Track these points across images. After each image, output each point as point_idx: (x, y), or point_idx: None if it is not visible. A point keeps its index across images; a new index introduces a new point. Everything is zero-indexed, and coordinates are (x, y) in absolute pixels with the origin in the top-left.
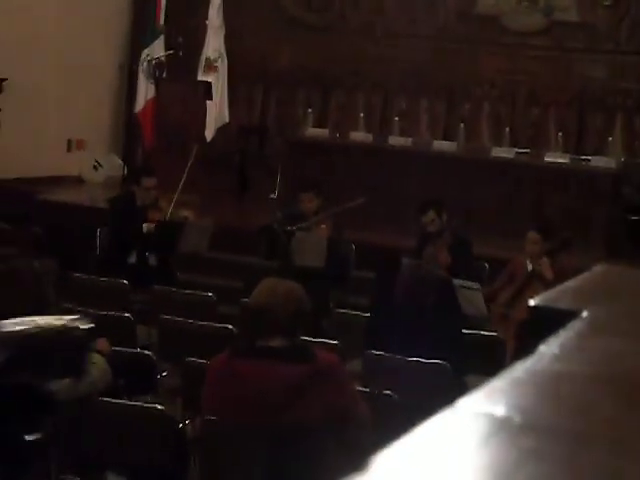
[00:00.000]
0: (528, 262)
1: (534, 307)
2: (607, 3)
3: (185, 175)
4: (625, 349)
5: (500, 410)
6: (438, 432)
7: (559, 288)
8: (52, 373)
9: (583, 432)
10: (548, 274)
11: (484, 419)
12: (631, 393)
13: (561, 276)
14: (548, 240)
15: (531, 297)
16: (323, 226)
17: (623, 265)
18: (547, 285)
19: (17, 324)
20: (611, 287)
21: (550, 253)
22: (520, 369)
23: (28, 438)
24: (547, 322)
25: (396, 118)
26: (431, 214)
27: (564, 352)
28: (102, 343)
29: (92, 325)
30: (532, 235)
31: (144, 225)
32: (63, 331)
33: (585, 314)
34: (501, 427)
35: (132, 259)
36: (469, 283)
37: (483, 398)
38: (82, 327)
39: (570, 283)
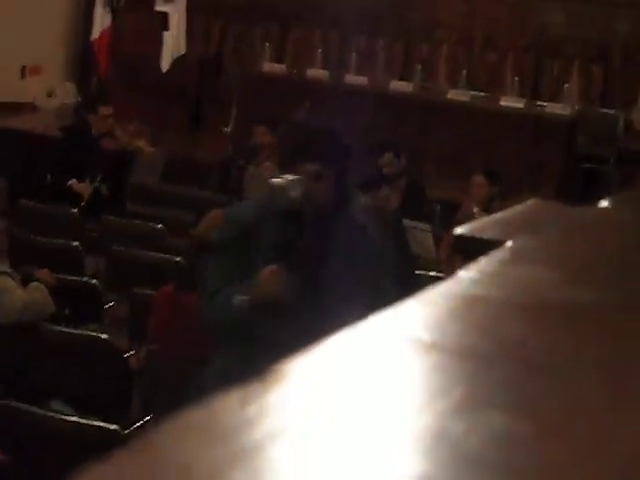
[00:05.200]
0: (474, 206)
1: (459, 236)
2: None
3: (141, 106)
4: (542, 277)
5: (408, 329)
6: (344, 348)
7: (487, 219)
8: None
9: (488, 352)
10: None
11: (391, 337)
12: (538, 317)
13: None
14: (494, 184)
15: None
16: (268, 163)
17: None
18: None
19: None
20: (539, 219)
21: (500, 197)
22: (435, 292)
23: None
24: (471, 251)
25: (353, 56)
26: (389, 156)
27: (481, 277)
28: (44, 273)
29: None
30: (478, 179)
31: (73, 183)
32: None
33: (509, 243)
34: (407, 345)
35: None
36: (420, 224)
37: (393, 317)
38: None
39: (499, 215)
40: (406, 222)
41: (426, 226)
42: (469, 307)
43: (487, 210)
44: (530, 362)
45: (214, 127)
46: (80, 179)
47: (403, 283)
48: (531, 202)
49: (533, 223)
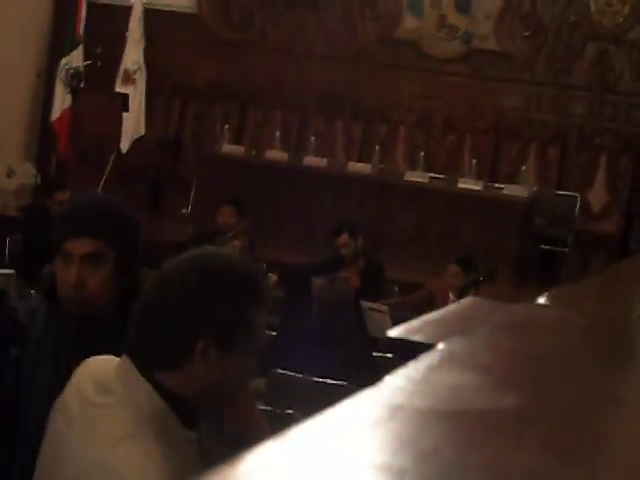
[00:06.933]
0: (451, 294)
1: (392, 339)
2: (526, 34)
3: (101, 186)
4: (467, 383)
5: (326, 441)
6: (259, 462)
7: (422, 319)
8: None
9: (402, 464)
10: None
11: (307, 449)
12: (459, 426)
13: None
14: (468, 273)
15: None
16: (237, 242)
17: (504, 297)
18: None
19: None
20: (475, 320)
21: (475, 284)
22: (359, 400)
23: None
24: (403, 354)
25: (312, 138)
26: (345, 237)
27: (407, 384)
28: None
29: None
30: (453, 268)
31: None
32: None
33: (440, 346)
34: (323, 458)
35: (46, 270)
36: (377, 306)
37: (309, 429)
38: None
39: (434, 314)
40: (364, 303)
41: (384, 307)
42: (391, 416)
43: (463, 298)
44: (443, 475)
45: (173, 208)
46: (42, 262)
47: (361, 366)
48: (467, 300)
49: (467, 324)
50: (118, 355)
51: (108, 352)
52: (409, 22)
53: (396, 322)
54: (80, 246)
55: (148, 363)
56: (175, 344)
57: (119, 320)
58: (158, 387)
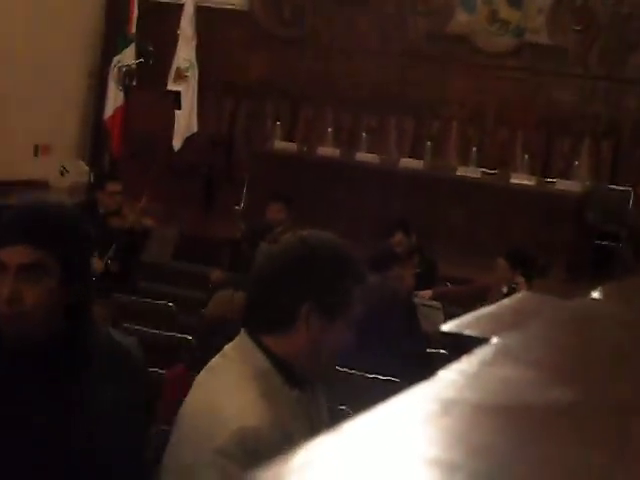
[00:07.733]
0: (504, 287)
1: (444, 333)
2: (578, 27)
3: (150, 183)
4: (521, 377)
5: (380, 435)
6: (313, 455)
7: (474, 314)
8: None
9: (455, 459)
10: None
11: (360, 444)
12: (512, 421)
13: None
14: (516, 267)
15: None
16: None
17: (554, 291)
18: None
19: None
20: (528, 314)
21: (527, 279)
22: (412, 395)
23: None
24: (458, 348)
25: (364, 134)
26: (399, 235)
27: (460, 378)
28: None
29: None
30: (500, 262)
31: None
32: None
33: (494, 341)
34: (377, 453)
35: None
36: (430, 302)
37: (363, 423)
38: None
39: (487, 309)
40: (417, 300)
41: (437, 304)
42: (443, 411)
43: (512, 292)
44: (495, 470)
45: (226, 205)
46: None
47: (414, 363)
48: (521, 295)
49: (521, 318)
50: (65, 381)
51: (50, 377)
52: (461, 17)
53: (449, 318)
54: (15, 255)
55: (257, 328)
56: (281, 309)
57: (63, 340)
58: (265, 350)
